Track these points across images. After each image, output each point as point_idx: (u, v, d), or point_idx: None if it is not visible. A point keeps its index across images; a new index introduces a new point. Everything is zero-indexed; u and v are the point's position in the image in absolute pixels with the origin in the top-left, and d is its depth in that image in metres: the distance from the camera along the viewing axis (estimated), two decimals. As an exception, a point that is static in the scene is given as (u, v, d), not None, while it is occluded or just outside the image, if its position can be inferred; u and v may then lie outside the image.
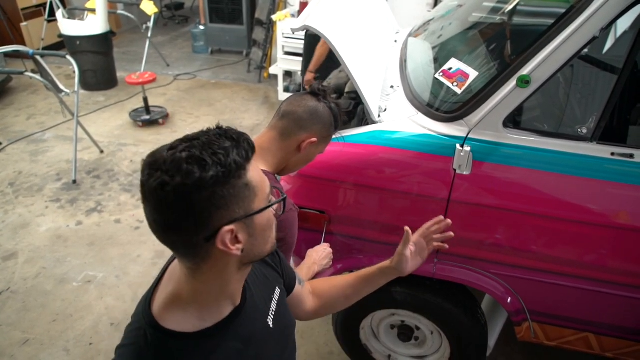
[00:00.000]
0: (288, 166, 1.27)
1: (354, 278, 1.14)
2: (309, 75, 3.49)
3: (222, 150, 0.64)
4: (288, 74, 5.16)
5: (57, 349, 2.29)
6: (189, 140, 0.66)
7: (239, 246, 0.69)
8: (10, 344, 2.32)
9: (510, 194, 1.45)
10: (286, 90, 4.95)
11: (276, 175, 1.27)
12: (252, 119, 4.79)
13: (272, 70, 5.14)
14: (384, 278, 1.13)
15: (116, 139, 4.30)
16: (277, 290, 0.95)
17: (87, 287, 2.66)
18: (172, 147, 0.65)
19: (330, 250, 1.55)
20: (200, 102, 5.13)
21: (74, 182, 3.59)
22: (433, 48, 1.96)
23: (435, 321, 1.80)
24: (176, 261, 0.77)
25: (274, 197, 0.75)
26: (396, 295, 1.77)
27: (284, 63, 4.66)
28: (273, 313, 0.90)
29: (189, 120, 4.72)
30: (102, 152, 4.03)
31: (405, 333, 1.93)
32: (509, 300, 1.64)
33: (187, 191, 0.62)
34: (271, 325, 0.88)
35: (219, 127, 0.69)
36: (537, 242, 1.50)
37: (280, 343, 0.91)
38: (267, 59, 5.60)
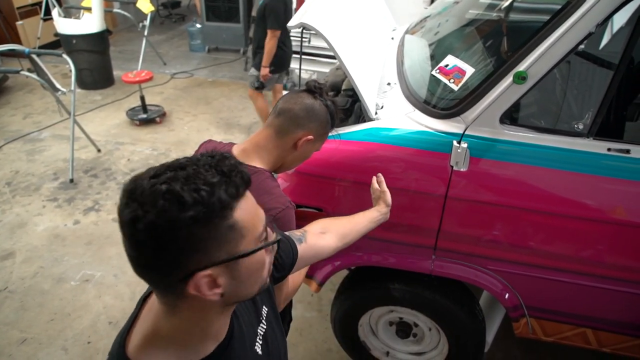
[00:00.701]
0: (285, 164, 1.27)
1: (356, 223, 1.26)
2: (264, 70, 3.69)
3: (207, 186, 0.57)
4: (285, 72, 5.15)
5: (56, 348, 2.29)
6: (174, 168, 0.60)
7: (217, 291, 0.62)
8: (9, 343, 2.31)
9: (507, 190, 1.45)
10: (283, 88, 4.94)
11: (273, 172, 1.27)
12: (249, 117, 4.78)
13: (269, 68, 5.11)
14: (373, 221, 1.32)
15: (113, 138, 4.29)
16: (265, 310, 0.88)
17: (85, 286, 2.66)
18: (156, 174, 0.59)
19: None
20: (198, 101, 5.12)
21: (71, 181, 3.58)
22: (430, 45, 1.96)
23: (433, 318, 1.80)
24: (151, 299, 0.72)
25: (270, 231, 0.68)
26: (394, 292, 1.77)
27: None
28: (261, 338, 0.84)
29: (186, 119, 4.71)
30: (99, 151, 4.02)
31: (404, 330, 1.94)
32: (506, 296, 1.65)
33: (159, 230, 0.56)
34: (259, 352, 0.81)
35: (212, 156, 0.62)
36: (534, 238, 1.50)
37: None
38: (264, 56, 5.57)
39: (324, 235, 1.15)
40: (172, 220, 0.56)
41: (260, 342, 0.83)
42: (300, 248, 1.05)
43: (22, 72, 3.32)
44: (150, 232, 0.56)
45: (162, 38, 7.32)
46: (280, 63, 3.81)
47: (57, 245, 2.97)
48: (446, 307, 1.74)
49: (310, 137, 1.21)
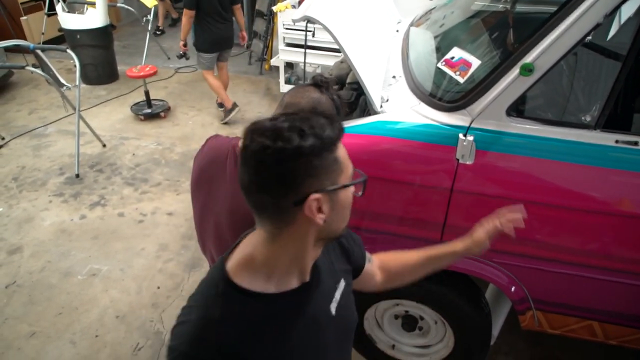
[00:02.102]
0: None
1: (424, 257, 1.15)
2: (180, 44, 4.24)
3: (319, 125, 0.69)
4: (289, 66, 5.14)
5: (64, 342, 2.32)
6: (288, 114, 0.72)
7: (322, 216, 0.72)
8: (17, 336, 2.34)
9: (514, 183, 1.45)
10: (288, 82, 4.93)
11: None
12: (253, 111, 4.78)
13: (274, 62, 5.12)
14: (453, 260, 1.18)
15: (118, 133, 4.30)
16: (342, 283, 0.94)
17: (91, 280, 2.68)
18: (273, 118, 0.71)
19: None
20: (202, 95, 5.11)
21: (77, 176, 3.60)
22: (435, 37, 1.94)
23: (439, 311, 1.80)
24: (253, 232, 0.81)
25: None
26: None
27: (285, 54, 4.64)
28: (336, 302, 0.90)
29: (191, 113, 4.72)
30: (104, 146, 4.04)
31: (409, 323, 1.94)
32: (512, 289, 1.64)
33: (285, 156, 0.67)
34: (333, 313, 0.88)
35: (311, 111, 0.75)
36: (541, 230, 1.50)
37: (338, 335, 0.91)
38: (268, 50, 5.57)
39: (378, 270, 1.17)
40: (296, 148, 0.67)
41: (335, 306, 0.89)
42: (367, 266, 1.09)
43: (27, 68, 3.33)
44: (278, 157, 0.67)
45: (166, 32, 7.30)
46: (211, 44, 4.16)
47: (63, 239, 2.99)
48: (452, 300, 1.74)
49: None
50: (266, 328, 0.76)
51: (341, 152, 0.73)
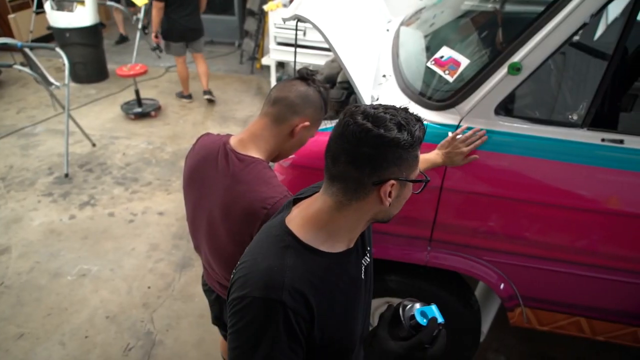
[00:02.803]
0: (282, 152, 1.28)
1: None
2: (152, 36, 4.47)
3: (412, 123, 0.80)
4: (281, 65, 5.13)
5: (53, 343, 2.30)
6: (386, 106, 0.82)
7: (389, 199, 0.83)
8: (5, 338, 2.31)
9: (502, 181, 1.46)
10: (279, 80, 4.92)
11: (270, 162, 1.28)
12: (245, 110, 4.77)
13: (265, 61, 5.11)
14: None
15: (108, 132, 4.27)
16: (368, 255, 1.03)
17: (81, 280, 2.66)
18: (374, 107, 0.81)
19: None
20: (193, 94, 5.09)
21: (66, 175, 3.56)
22: (425, 37, 1.95)
23: (429, 308, 1.81)
24: (311, 199, 0.92)
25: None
26: (390, 283, 1.78)
27: (276, 54, 4.63)
28: (364, 269, 0.99)
29: (182, 112, 4.69)
30: (94, 145, 4.00)
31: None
32: (501, 286, 1.66)
33: (383, 142, 0.78)
34: (362, 276, 0.97)
35: (405, 110, 0.83)
36: (529, 228, 1.51)
37: (365, 296, 1.00)
38: (259, 49, 5.56)
39: None
40: (393, 138, 0.78)
41: (363, 272, 0.98)
42: None
43: (15, 66, 3.29)
44: (376, 141, 0.78)
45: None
46: (172, 33, 4.40)
47: (52, 240, 2.97)
48: (442, 298, 1.75)
49: (307, 123, 1.22)
50: (324, 279, 0.86)
51: (420, 151, 0.85)
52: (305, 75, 1.24)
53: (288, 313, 0.80)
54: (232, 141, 1.25)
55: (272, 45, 4.57)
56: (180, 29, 4.38)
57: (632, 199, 1.41)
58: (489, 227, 1.55)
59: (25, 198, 3.34)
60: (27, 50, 3.49)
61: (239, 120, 4.56)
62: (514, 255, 1.58)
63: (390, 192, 0.83)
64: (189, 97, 4.89)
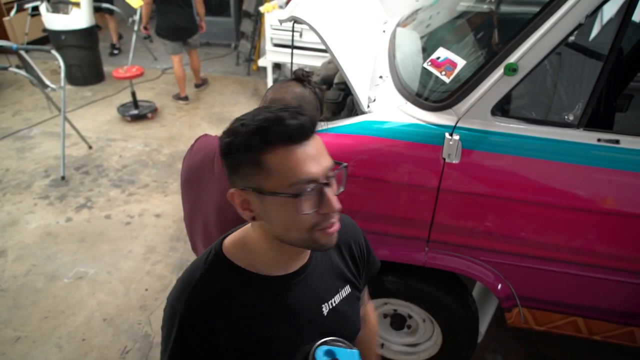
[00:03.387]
0: None
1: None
2: (142, 28, 4.68)
3: (255, 126, 0.71)
4: (277, 66, 5.13)
5: (50, 346, 2.28)
6: (263, 109, 0.76)
7: (249, 213, 0.78)
8: (2, 341, 2.30)
9: (499, 181, 1.46)
10: (275, 82, 4.92)
11: None
12: (241, 111, 4.67)
13: (261, 62, 5.10)
14: None
15: (104, 134, 4.26)
16: (348, 289, 0.95)
17: (78, 283, 2.65)
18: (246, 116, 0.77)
19: None
20: (189, 96, 5.08)
21: (63, 178, 3.55)
22: (421, 38, 1.96)
23: (427, 309, 1.82)
24: None
25: (329, 198, 0.74)
26: (388, 284, 1.78)
27: (272, 55, 4.63)
28: (332, 305, 0.91)
29: (178, 114, 4.68)
30: (90, 147, 3.99)
31: (398, 321, 1.95)
32: (499, 286, 1.66)
33: (224, 150, 0.75)
34: (324, 313, 0.89)
35: (286, 110, 0.74)
36: (526, 228, 1.52)
37: (326, 336, 0.89)
38: (256, 51, 5.56)
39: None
40: (223, 144, 0.75)
41: (329, 308, 0.91)
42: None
43: (11, 69, 3.28)
44: (222, 151, 0.76)
45: (152, 33, 7.23)
46: (168, 32, 4.51)
47: (49, 242, 2.95)
48: (439, 298, 1.75)
49: None
50: (237, 299, 0.81)
51: (273, 157, 0.71)
52: (301, 77, 1.24)
53: (184, 325, 0.79)
54: None
55: (268, 46, 4.57)
56: (174, 27, 4.48)
57: (628, 199, 1.41)
58: (486, 227, 1.55)
59: (21, 201, 3.32)
60: (22, 52, 3.47)
61: (235, 122, 4.55)
62: (511, 255, 1.59)
63: (248, 203, 0.76)
64: (186, 98, 4.92)
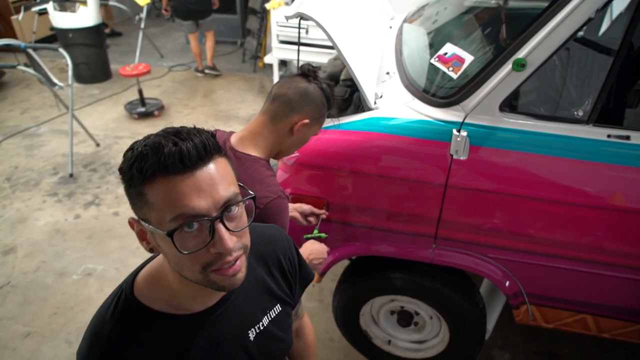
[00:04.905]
0: (282, 149, 1.27)
1: None
2: (163, 10, 5.24)
3: (136, 154, 0.65)
4: (283, 63, 5.12)
5: (59, 341, 2.31)
6: (158, 134, 0.68)
7: (146, 245, 0.73)
8: (12, 337, 2.33)
9: (508, 178, 1.45)
10: (281, 79, 4.91)
11: (269, 160, 1.27)
12: (248, 109, 4.76)
13: (267, 59, 5.10)
14: None
15: (112, 132, 4.28)
16: (278, 308, 0.91)
17: (87, 279, 2.67)
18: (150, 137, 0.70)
19: (326, 254, 1.48)
20: (196, 93, 5.10)
21: (71, 175, 3.57)
22: (428, 33, 1.95)
23: (434, 306, 1.81)
24: None
25: (191, 234, 0.66)
26: (395, 281, 1.78)
27: (278, 52, 4.62)
28: (260, 328, 0.87)
29: (185, 112, 4.70)
30: (98, 145, 4.01)
31: (405, 318, 1.95)
32: (507, 284, 1.65)
33: (121, 176, 0.69)
34: (251, 338, 0.85)
35: (174, 133, 0.67)
36: (535, 225, 1.50)
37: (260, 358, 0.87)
38: (262, 48, 5.55)
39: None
40: (119, 169, 0.68)
41: (257, 331, 0.86)
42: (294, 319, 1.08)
43: (19, 67, 3.30)
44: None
45: (159, 31, 7.26)
46: (182, 13, 5.01)
47: (58, 239, 2.98)
48: (447, 295, 1.75)
49: (306, 120, 1.21)
50: (156, 347, 0.74)
51: (153, 190, 0.64)
52: (307, 72, 1.23)
53: None
54: (233, 139, 1.25)
55: (274, 43, 4.56)
56: (185, 10, 4.95)
57: (638, 196, 1.40)
58: (494, 224, 1.54)
59: (30, 198, 3.35)
60: (30, 51, 3.49)
61: (242, 119, 4.56)
62: (519, 252, 1.58)
63: (143, 235, 0.72)
64: (203, 71, 5.45)
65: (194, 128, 0.69)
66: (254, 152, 1.22)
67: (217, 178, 0.67)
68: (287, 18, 1.53)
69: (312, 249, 1.42)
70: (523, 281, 1.65)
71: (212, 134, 0.70)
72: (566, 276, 1.58)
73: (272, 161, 1.35)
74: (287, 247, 0.95)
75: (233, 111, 4.72)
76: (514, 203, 1.48)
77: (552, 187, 1.42)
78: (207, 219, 0.66)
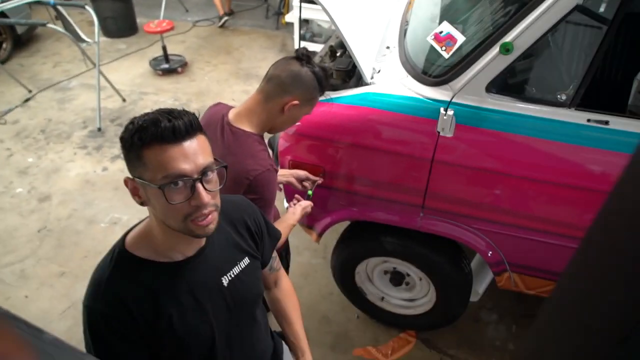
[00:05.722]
0: (274, 126, 1.39)
1: (285, 323, 1.29)
2: None
3: (138, 125, 0.84)
4: (305, 21, 5.10)
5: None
6: (155, 111, 0.88)
7: (138, 199, 0.91)
8: (50, 275, 2.63)
9: (491, 156, 1.54)
10: (302, 38, 4.91)
11: (263, 135, 1.39)
12: (268, 67, 4.80)
13: (288, 18, 5.08)
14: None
15: (137, 88, 4.45)
16: (246, 260, 1.08)
17: (113, 228, 2.93)
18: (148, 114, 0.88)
19: (305, 208, 1.61)
20: (218, 50, 5.17)
21: (99, 129, 3.80)
22: (434, 7, 1.97)
23: (423, 269, 1.96)
24: None
25: (177, 189, 0.85)
26: (386, 245, 1.92)
27: (299, 11, 4.60)
28: (232, 276, 1.03)
29: (207, 69, 4.80)
30: (124, 100, 4.20)
31: (397, 278, 2.11)
32: (489, 253, 1.77)
33: (121, 143, 0.87)
34: (224, 284, 1.02)
35: (173, 111, 0.87)
36: (515, 201, 1.60)
37: (231, 308, 1.03)
38: (285, 4, 5.51)
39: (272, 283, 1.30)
40: (120, 137, 0.87)
41: (229, 279, 1.03)
42: (267, 271, 1.22)
43: (49, 25, 3.45)
44: (121, 143, 0.88)
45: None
46: None
47: (87, 190, 3.23)
48: (434, 260, 1.89)
49: (296, 102, 1.31)
50: (147, 287, 0.91)
51: (150, 153, 0.83)
52: (301, 56, 1.32)
53: (109, 320, 0.89)
54: (231, 114, 1.37)
55: (295, 1, 4.54)
56: None
57: (612, 178, 1.46)
58: (477, 197, 1.64)
59: (62, 150, 3.60)
60: (59, 7, 3.62)
61: (261, 77, 4.60)
62: (501, 224, 1.68)
63: (135, 191, 0.89)
64: (224, 16, 5.63)
65: (183, 110, 0.88)
66: (248, 127, 1.34)
67: (199, 149, 0.86)
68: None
69: (303, 205, 1.61)
70: (505, 251, 1.77)
71: (196, 116, 0.89)
72: (543, 248, 1.69)
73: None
74: (251, 212, 1.14)
75: (254, 69, 4.79)
76: (496, 180, 1.57)
77: (532, 167, 1.50)
78: (190, 179, 0.85)
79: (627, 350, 0.40)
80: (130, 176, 0.89)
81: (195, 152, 0.85)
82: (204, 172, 0.86)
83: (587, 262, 0.49)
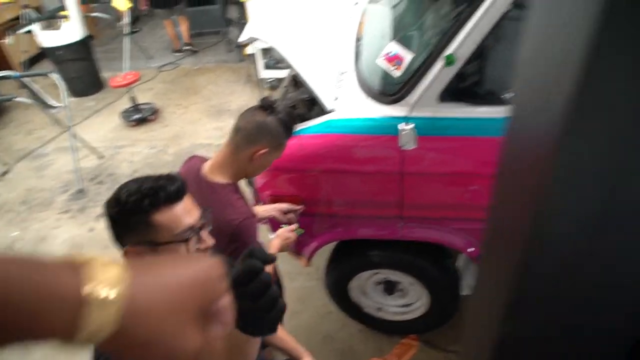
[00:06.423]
0: (247, 174, 1.46)
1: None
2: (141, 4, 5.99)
3: (144, 192, 0.92)
4: (266, 50, 5.22)
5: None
6: (144, 179, 0.96)
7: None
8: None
9: (454, 160, 1.63)
10: (267, 67, 5.03)
11: (237, 183, 1.46)
12: (237, 101, 4.92)
13: (249, 49, 5.20)
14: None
15: (112, 142, 4.50)
16: None
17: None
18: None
19: (286, 239, 1.65)
20: (187, 91, 5.26)
21: (80, 190, 3.82)
22: (383, 27, 2.07)
23: (411, 274, 2.03)
24: None
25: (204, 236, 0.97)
26: (373, 258, 2.00)
27: (259, 42, 4.71)
28: None
29: (179, 112, 4.88)
30: (102, 157, 4.24)
31: (390, 287, 2.18)
32: (469, 249, 1.85)
33: (115, 215, 0.94)
34: None
35: (159, 178, 0.96)
36: (482, 197, 1.69)
37: None
38: (244, 37, 5.64)
39: None
40: (118, 212, 0.94)
41: None
42: None
43: (17, 99, 3.50)
44: (112, 216, 0.95)
45: (144, 30, 7.36)
46: (156, 2, 5.86)
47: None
48: (419, 264, 1.97)
49: (264, 150, 1.37)
50: None
51: (160, 216, 0.92)
52: (265, 105, 1.39)
53: None
54: (205, 167, 1.44)
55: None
56: None
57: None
58: (450, 200, 1.73)
59: (47, 218, 3.62)
60: (25, 79, 3.68)
61: (233, 112, 4.72)
62: (477, 221, 1.76)
63: (141, 255, 0.94)
64: (180, 50, 6.21)
65: (170, 174, 0.99)
66: (222, 179, 1.40)
67: (192, 204, 1.00)
68: (242, 42, 1.68)
69: (279, 234, 1.66)
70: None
71: (183, 180, 0.99)
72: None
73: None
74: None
75: (224, 105, 4.89)
76: (462, 181, 1.66)
77: (492, 164, 1.59)
78: (197, 228, 0.99)
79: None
80: (131, 245, 0.94)
81: (192, 207, 0.99)
82: (201, 220, 1.00)
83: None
